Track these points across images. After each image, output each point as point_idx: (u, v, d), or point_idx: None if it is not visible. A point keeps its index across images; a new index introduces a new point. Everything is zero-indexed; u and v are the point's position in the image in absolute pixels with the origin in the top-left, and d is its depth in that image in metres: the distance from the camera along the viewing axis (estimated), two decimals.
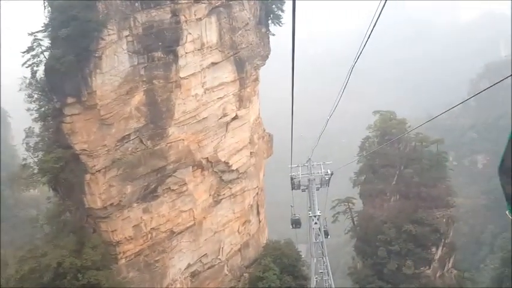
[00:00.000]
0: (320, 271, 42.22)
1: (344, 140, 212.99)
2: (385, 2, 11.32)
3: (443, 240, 64.74)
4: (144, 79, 35.38)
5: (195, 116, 39.03)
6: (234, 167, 44.23)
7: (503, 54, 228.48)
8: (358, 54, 14.49)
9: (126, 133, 35.43)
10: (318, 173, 39.86)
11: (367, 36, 13.36)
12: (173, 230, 40.31)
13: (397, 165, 67.06)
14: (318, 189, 40.51)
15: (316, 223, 40.58)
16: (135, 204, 37.79)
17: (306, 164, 40.04)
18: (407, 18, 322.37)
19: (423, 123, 26.93)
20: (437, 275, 65.61)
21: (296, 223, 41.10)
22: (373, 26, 12.70)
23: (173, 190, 39.68)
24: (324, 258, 42.13)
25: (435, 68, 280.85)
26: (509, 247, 79.83)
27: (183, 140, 38.74)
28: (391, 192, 66.87)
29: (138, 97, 35.48)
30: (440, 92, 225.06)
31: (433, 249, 64.23)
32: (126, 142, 35.76)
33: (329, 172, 39.73)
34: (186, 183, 40.29)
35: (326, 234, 40.24)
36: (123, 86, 34.32)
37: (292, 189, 42.05)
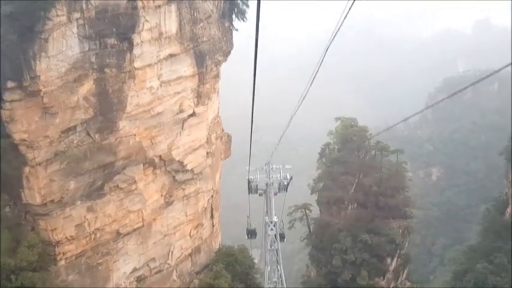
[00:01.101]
0: (274, 280, 40.80)
1: (303, 148, 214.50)
2: (348, 12, 11.92)
3: (398, 251, 64.51)
4: (95, 67, 32.58)
5: (149, 110, 36.48)
6: (188, 167, 41.89)
7: (461, 70, 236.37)
8: (319, 65, 15.00)
9: (72, 124, 32.51)
10: (277, 177, 38.54)
11: (327, 47, 13.76)
12: (119, 231, 37.59)
13: (356, 173, 66.51)
14: (275, 194, 38.86)
15: (272, 229, 39.07)
16: (78, 202, 34.92)
17: (265, 167, 38.65)
18: (368, 30, 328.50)
19: (382, 131, 27.09)
20: (391, 286, 65.22)
21: (251, 233, 40.07)
22: (334, 35, 13.14)
23: (121, 188, 37.00)
24: (279, 266, 40.62)
25: (395, 81, 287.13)
26: (462, 260, 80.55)
27: (134, 135, 36.12)
28: (348, 201, 66.28)
29: (87, 86, 32.69)
30: (399, 105, 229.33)
31: (388, 260, 63.88)
32: (71, 134, 32.86)
33: (288, 177, 38.42)
34: (135, 182, 37.67)
35: (282, 237, 38.38)
36: (70, 73, 31.46)
37: (249, 193, 40.29)
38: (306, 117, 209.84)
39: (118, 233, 37.59)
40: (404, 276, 67.36)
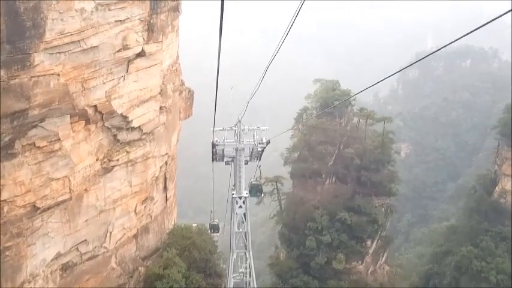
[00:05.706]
0: (241, 270, 33.28)
1: (269, 118, 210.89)
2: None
3: (379, 232, 58.15)
4: None
5: (78, 41, 26.49)
6: (135, 124, 32.30)
7: (430, 46, 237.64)
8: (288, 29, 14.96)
9: None
10: (249, 141, 30.96)
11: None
12: (37, 204, 27.82)
13: (337, 143, 59.45)
14: (246, 163, 32.05)
15: (241, 207, 31.87)
16: None
17: (234, 128, 30.90)
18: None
19: (349, 97, 24.71)
20: (369, 271, 58.98)
21: (214, 228, 40.20)
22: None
23: (39, 148, 27.16)
24: (248, 253, 33.18)
25: (365, 55, 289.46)
26: (440, 241, 76.50)
27: (57, 75, 26.14)
28: (326, 174, 59.68)
29: None
30: (369, 78, 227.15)
31: (368, 242, 57.58)
32: None
33: (264, 140, 30.98)
34: (59, 140, 27.79)
35: (260, 191, 32.75)
36: None
37: (213, 160, 32.95)
38: (277, 83, 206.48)
39: (35, 208, 27.93)
40: (383, 260, 61.17)
